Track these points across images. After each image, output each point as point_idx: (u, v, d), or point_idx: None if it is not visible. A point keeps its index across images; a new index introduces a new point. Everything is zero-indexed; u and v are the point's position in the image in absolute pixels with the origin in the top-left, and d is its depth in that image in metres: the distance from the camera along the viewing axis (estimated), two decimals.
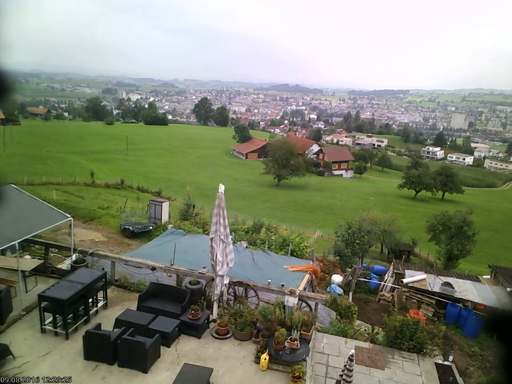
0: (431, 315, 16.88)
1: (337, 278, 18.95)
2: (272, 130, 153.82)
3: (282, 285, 9.48)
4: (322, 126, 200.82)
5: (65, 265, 11.49)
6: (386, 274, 21.15)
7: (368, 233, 22.66)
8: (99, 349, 7.09)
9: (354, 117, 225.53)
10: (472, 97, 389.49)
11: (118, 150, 77.24)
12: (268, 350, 7.46)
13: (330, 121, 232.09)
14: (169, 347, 7.70)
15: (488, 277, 22.01)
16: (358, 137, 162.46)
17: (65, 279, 8.40)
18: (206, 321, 8.45)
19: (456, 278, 19.31)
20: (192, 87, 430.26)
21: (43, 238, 12.30)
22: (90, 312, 8.53)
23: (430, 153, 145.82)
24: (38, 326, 7.87)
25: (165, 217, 22.75)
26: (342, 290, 18.16)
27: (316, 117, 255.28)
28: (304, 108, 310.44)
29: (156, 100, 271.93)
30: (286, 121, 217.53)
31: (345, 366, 7.33)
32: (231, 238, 9.41)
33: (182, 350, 7.72)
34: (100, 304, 8.98)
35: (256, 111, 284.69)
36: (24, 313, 8.42)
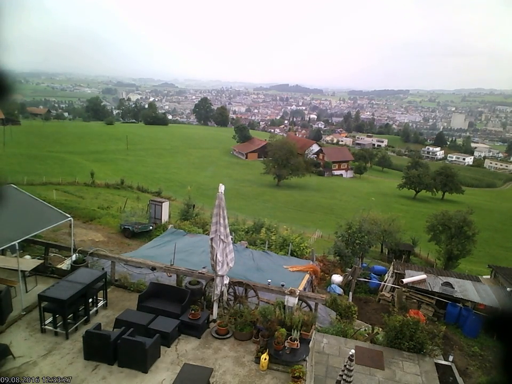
0: (431, 315, 16.88)
1: (337, 278, 18.94)
2: (272, 130, 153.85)
3: (282, 285, 9.49)
4: (322, 126, 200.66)
5: (65, 265, 11.48)
6: (386, 274, 21.16)
7: (368, 233, 22.65)
8: (99, 349, 7.08)
9: (354, 117, 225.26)
10: (472, 97, 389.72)
11: (118, 150, 77.27)
12: (267, 350, 7.46)
13: (330, 121, 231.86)
14: (169, 347, 7.70)
15: (488, 277, 22.04)
16: (358, 137, 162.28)
17: (65, 279, 8.40)
18: (206, 321, 8.44)
19: (456, 278, 19.31)
20: (192, 87, 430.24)
21: (43, 238, 12.32)
22: (90, 312, 8.53)
23: (430, 153, 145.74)
24: (38, 326, 7.87)
25: (165, 217, 22.75)
26: (342, 290, 18.15)
27: (316, 117, 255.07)
28: (304, 108, 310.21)
29: (156, 99, 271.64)
30: (286, 121, 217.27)
31: (345, 366, 7.33)
32: (231, 238, 9.41)
33: (182, 350, 7.72)
34: (100, 304, 8.98)
35: (256, 111, 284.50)
36: (24, 313, 8.41)
